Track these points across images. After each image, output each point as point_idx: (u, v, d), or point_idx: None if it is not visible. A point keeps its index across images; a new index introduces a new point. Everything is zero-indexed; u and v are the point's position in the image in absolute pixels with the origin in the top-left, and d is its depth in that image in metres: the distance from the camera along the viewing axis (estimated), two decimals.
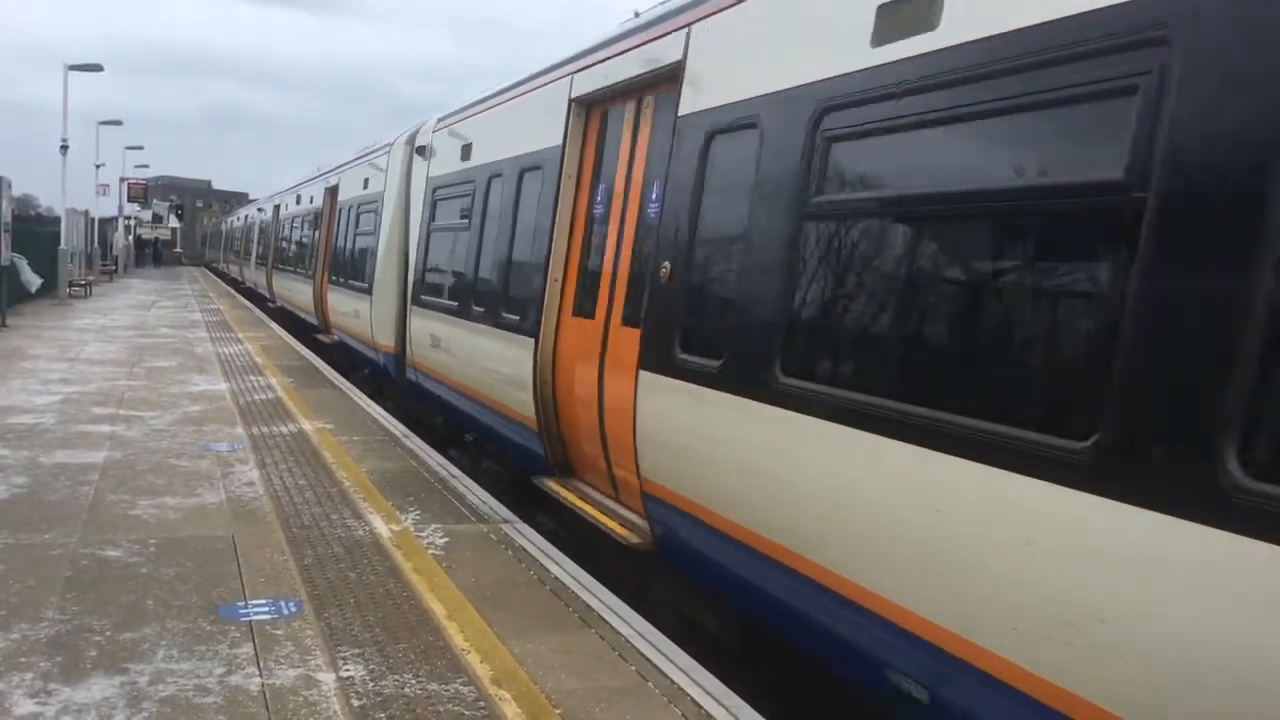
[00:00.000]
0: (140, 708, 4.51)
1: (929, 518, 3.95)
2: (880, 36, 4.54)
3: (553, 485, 7.95)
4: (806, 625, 4.88)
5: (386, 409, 13.01)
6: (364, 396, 13.76)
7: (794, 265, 5.02)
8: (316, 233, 21.78)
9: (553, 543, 7.42)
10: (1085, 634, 3.23)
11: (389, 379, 14.11)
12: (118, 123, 49.74)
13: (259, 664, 5.01)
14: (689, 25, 6.39)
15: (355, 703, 4.62)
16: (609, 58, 7.68)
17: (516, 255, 9.11)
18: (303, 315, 23.07)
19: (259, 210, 38.42)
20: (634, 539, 6.59)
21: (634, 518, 6.87)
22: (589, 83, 7.96)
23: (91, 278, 39.75)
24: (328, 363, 17.60)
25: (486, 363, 9.57)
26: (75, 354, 17.69)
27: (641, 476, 6.39)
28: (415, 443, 10.71)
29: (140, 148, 64.56)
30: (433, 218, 12.22)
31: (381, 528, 7.46)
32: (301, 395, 13.64)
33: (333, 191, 20.36)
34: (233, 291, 41.94)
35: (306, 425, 11.41)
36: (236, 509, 7.86)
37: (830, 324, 4.90)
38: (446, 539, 7.26)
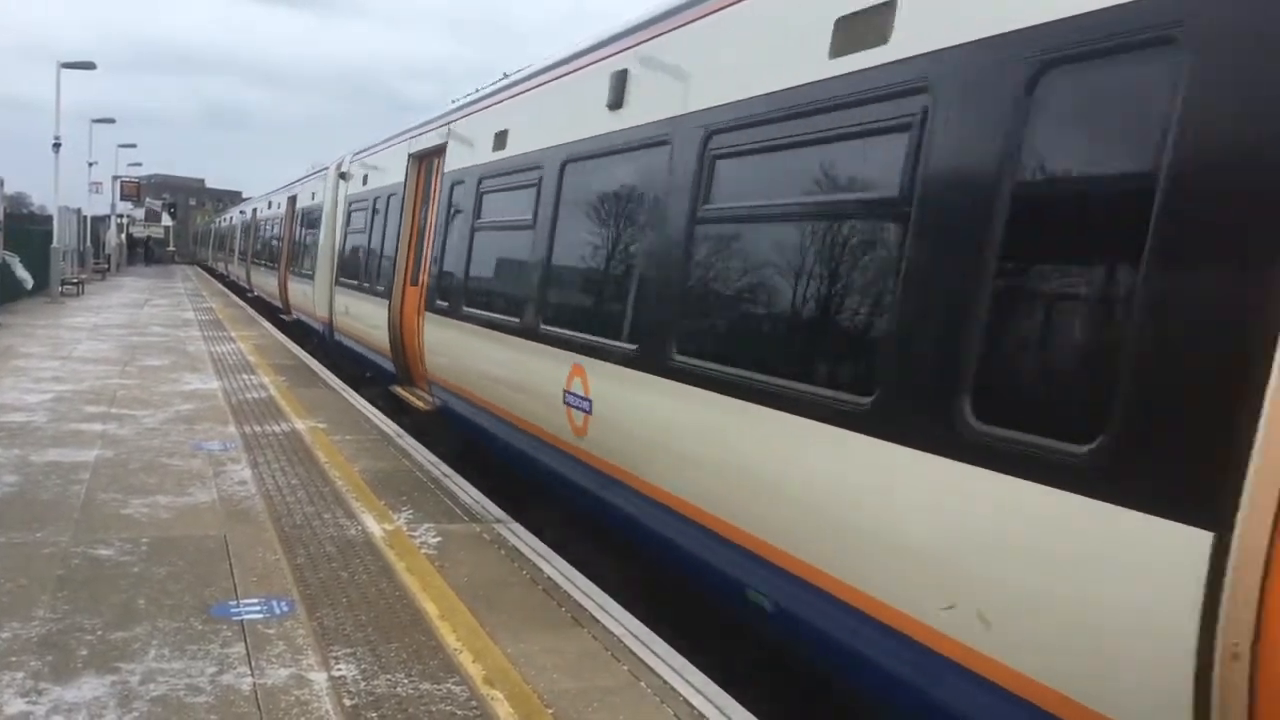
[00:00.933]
0: (131, 707, 4.50)
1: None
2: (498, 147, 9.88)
3: (398, 389, 12.70)
4: (518, 446, 8.61)
5: (380, 409, 13.00)
6: (357, 396, 13.75)
7: (469, 249, 10.23)
8: (280, 233, 26.76)
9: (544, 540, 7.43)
10: (870, 541, 4.25)
11: (324, 342, 18.56)
12: (111, 121, 49.79)
13: (251, 663, 5.01)
14: (449, 123, 11.80)
15: (347, 702, 4.62)
16: (423, 134, 13.04)
17: (387, 250, 13.91)
18: (270, 300, 28.05)
19: (240, 213, 44.35)
20: (425, 406, 11.42)
21: (427, 396, 11.65)
22: (416, 146, 13.22)
23: (84, 276, 39.65)
24: (324, 364, 17.57)
25: (368, 319, 14.49)
26: (67, 352, 17.65)
27: (428, 371, 11.37)
28: (409, 442, 10.70)
29: (133, 146, 64.61)
30: (347, 223, 17.37)
31: (374, 527, 7.46)
32: (295, 394, 13.63)
33: (292, 200, 25.36)
34: (225, 290, 41.87)
35: (299, 424, 11.40)
36: (229, 508, 7.85)
37: (485, 276, 9.95)
38: (439, 539, 7.26)
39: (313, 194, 21.75)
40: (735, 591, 5.27)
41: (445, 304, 10.62)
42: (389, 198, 14.27)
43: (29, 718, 4.37)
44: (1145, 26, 3.29)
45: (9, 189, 24.26)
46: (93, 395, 12.97)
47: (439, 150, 11.97)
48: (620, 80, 7.10)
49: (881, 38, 4.44)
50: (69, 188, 51.26)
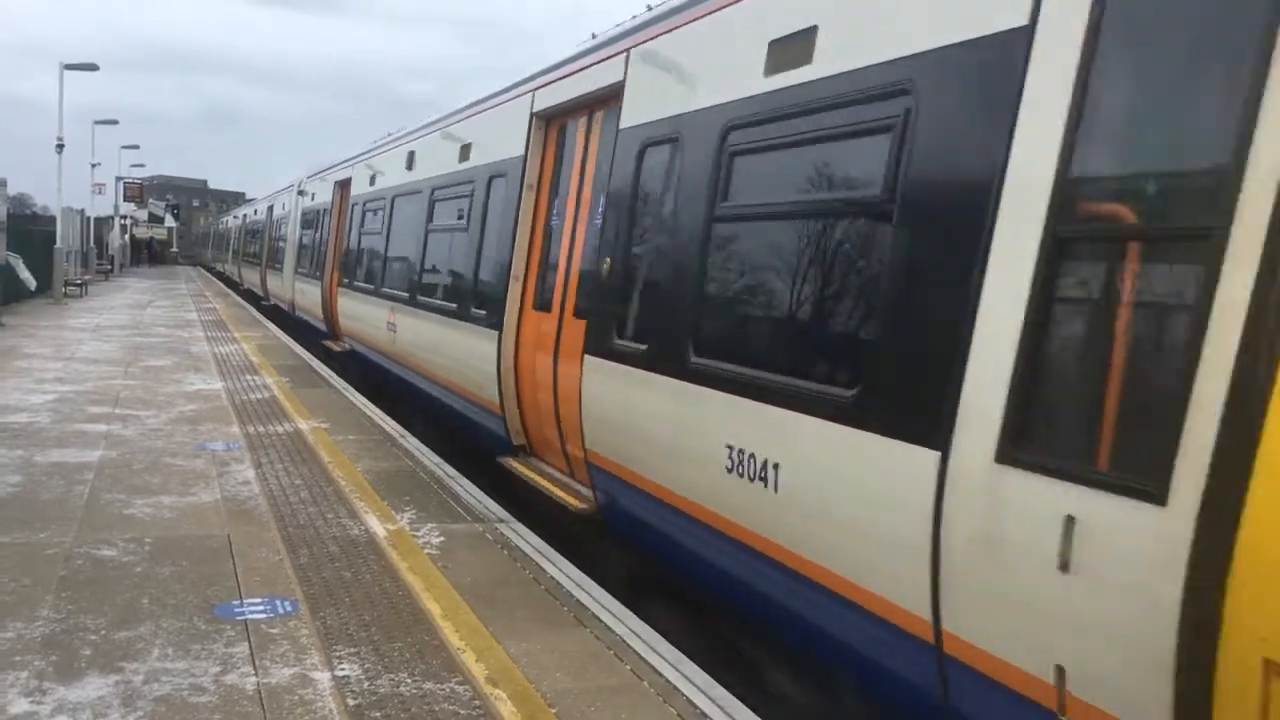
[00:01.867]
0: (135, 706, 4.51)
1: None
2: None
3: (329, 343, 17.90)
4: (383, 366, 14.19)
5: (383, 409, 13.01)
6: (360, 396, 13.76)
7: (357, 244, 16.84)
8: (262, 235, 32.83)
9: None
10: (671, 447, 6.11)
11: (288, 317, 24.55)
12: (114, 122, 49.87)
13: (254, 663, 5.02)
14: (352, 164, 18.00)
15: (351, 702, 4.63)
16: (338, 169, 19.40)
17: (322, 248, 19.83)
18: (255, 290, 33.81)
19: (233, 219, 52.61)
20: (339, 349, 16.86)
21: (343, 344, 17.01)
22: (336, 176, 19.42)
23: (87, 277, 39.70)
24: (332, 368, 17.59)
25: (312, 297, 20.42)
26: (71, 353, 17.68)
27: (340, 326, 16.95)
28: (411, 443, 10.71)
29: (136, 147, 64.62)
30: (300, 228, 23.59)
31: (377, 527, 7.46)
32: (298, 395, 13.64)
33: (270, 210, 31.76)
34: (227, 290, 41.91)
35: (303, 425, 11.41)
36: (232, 508, 7.86)
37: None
38: (442, 538, 7.27)
39: (283, 205, 27.86)
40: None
41: (347, 280, 16.75)
42: (323, 211, 20.54)
43: (33, 717, 4.38)
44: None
45: (12, 190, 24.47)
46: (96, 396, 12.99)
47: (347, 181, 18.21)
48: (420, 151, 13.69)
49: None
50: (72, 189, 51.41)
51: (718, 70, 6.11)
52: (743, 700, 4.89)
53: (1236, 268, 2.95)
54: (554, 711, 4.63)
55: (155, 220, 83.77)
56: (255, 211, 37.20)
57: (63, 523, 7.28)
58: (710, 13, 6.27)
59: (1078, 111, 3.58)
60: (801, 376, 4.93)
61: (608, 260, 7.21)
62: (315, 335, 20.54)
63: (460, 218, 10.82)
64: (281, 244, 26.76)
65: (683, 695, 4.86)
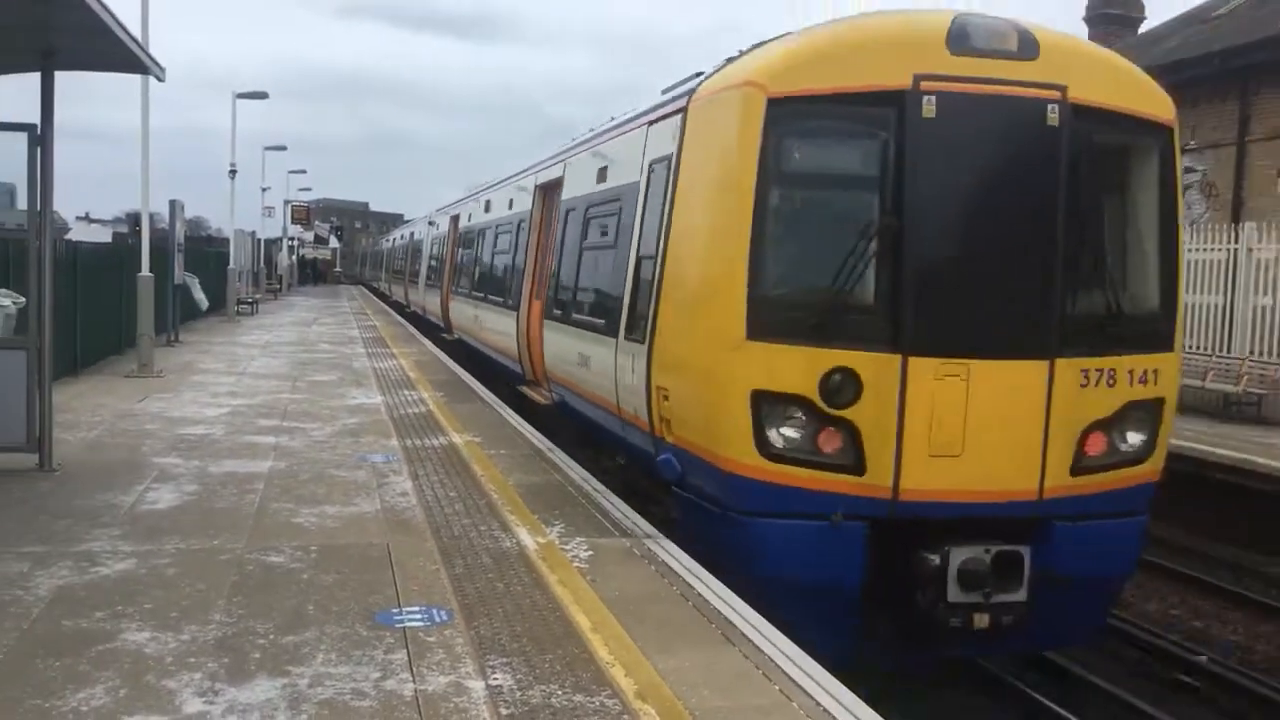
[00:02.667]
0: (300, 710, 4.69)
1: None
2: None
3: (445, 334, 25.30)
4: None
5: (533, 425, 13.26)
6: (511, 411, 14.04)
7: (471, 263, 22.04)
8: (405, 256, 40.15)
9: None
10: (590, 371, 10.56)
11: (437, 329, 26.97)
12: (282, 148, 51.89)
13: (412, 670, 5.16)
14: (457, 205, 26.31)
15: (504, 711, 4.71)
16: (446, 209, 28.38)
17: (438, 267, 27.38)
18: (402, 302, 39.80)
19: (386, 242, 61.88)
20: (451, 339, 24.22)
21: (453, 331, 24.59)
22: (443, 214, 28.16)
23: (258, 296, 41.71)
24: (481, 381, 18.02)
25: (432, 300, 27.90)
26: (243, 368, 18.60)
27: (451, 320, 23.93)
28: (560, 457, 10.86)
29: (303, 171, 67.72)
30: (430, 252, 30.24)
31: (528, 540, 7.59)
32: (451, 409, 14.02)
33: (410, 235, 40.04)
34: (387, 309, 43.42)
35: (456, 438, 11.71)
36: (391, 519, 8.13)
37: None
38: (591, 552, 7.34)
39: (414, 233, 37.70)
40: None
41: (454, 288, 23.53)
42: (439, 238, 27.90)
43: (206, 717, 4.60)
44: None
45: (189, 213, 25.91)
46: (266, 409, 13.62)
47: (456, 217, 24.91)
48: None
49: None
50: (243, 211, 53.98)
51: (584, 178, 12.07)
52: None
53: (630, 265, 9.48)
54: None
55: (320, 241, 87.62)
56: (402, 237, 46.47)
57: (235, 530, 7.65)
58: (583, 152, 12.50)
59: (657, 212, 8.85)
60: (599, 319, 10.18)
61: (548, 271, 13.15)
62: (436, 330, 27.95)
63: (505, 245, 17.26)
64: (415, 265, 34.73)
65: (831, 717, 4.79)
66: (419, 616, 5.93)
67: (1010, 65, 7.33)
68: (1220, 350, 17.75)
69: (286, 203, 65.91)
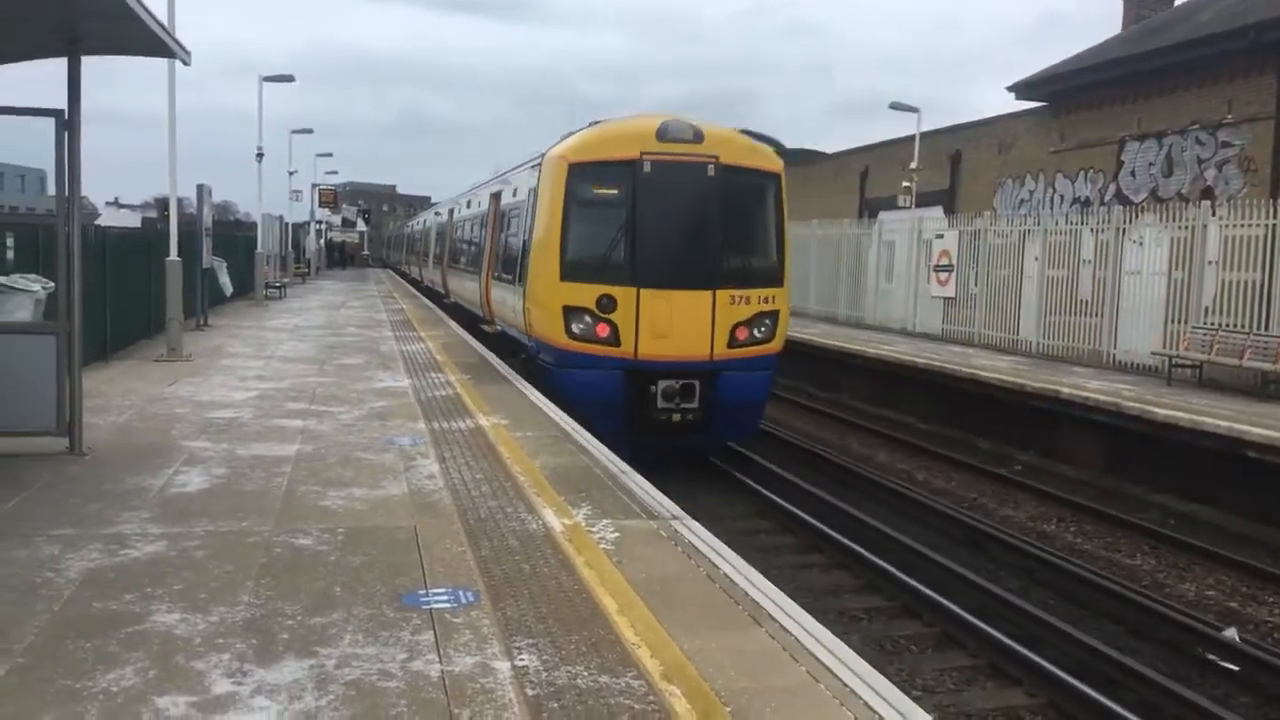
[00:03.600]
0: (327, 690, 4.71)
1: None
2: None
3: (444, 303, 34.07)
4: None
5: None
6: (536, 393, 14.05)
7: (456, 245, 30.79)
8: (427, 242, 43.92)
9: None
10: (506, 307, 18.21)
11: (437, 297, 34.74)
12: (309, 131, 51.82)
13: (439, 651, 5.17)
14: (454, 201, 34.73)
15: (530, 692, 4.71)
16: (443, 204, 41.30)
17: (442, 249, 34.74)
18: (418, 276, 47.70)
19: (408, 227, 68.28)
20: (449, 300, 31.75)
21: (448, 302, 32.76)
22: (443, 208, 38.45)
23: (286, 280, 41.90)
24: (507, 363, 18.07)
25: (436, 276, 36.36)
26: (271, 352, 18.70)
27: (449, 289, 32.05)
28: (585, 439, 10.86)
29: (330, 155, 68.04)
30: (440, 237, 35.43)
31: (554, 521, 7.60)
32: (478, 391, 14.04)
33: (423, 222, 48.09)
34: (414, 292, 43.58)
35: (483, 420, 11.73)
36: (418, 501, 8.15)
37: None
38: (617, 534, 7.34)
39: (427, 220, 46.31)
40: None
41: (450, 263, 30.46)
42: (438, 228, 35.74)
43: (234, 697, 4.63)
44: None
45: (216, 197, 26.14)
46: (294, 392, 13.69)
47: (452, 209, 32.00)
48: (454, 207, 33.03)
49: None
50: (271, 195, 54.43)
51: (511, 192, 19.08)
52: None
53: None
54: (729, 710, 4.60)
55: (348, 225, 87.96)
56: (423, 223, 51.23)
57: (263, 513, 7.69)
58: (515, 174, 19.59)
59: (531, 215, 16.01)
60: (508, 274, 17.39)
61: (491, 248, 20.66)
62: (435, 296, 35.06)
63: (478, 233, 23.68)
64: (437, 249, 38.78)
65: (860, 699, 4.76)
66: (446, 598, 5.94)
67: (688, 146, 14.40)
68: (1258, 328, 17.49)
69: (314, 186, 66.05)
